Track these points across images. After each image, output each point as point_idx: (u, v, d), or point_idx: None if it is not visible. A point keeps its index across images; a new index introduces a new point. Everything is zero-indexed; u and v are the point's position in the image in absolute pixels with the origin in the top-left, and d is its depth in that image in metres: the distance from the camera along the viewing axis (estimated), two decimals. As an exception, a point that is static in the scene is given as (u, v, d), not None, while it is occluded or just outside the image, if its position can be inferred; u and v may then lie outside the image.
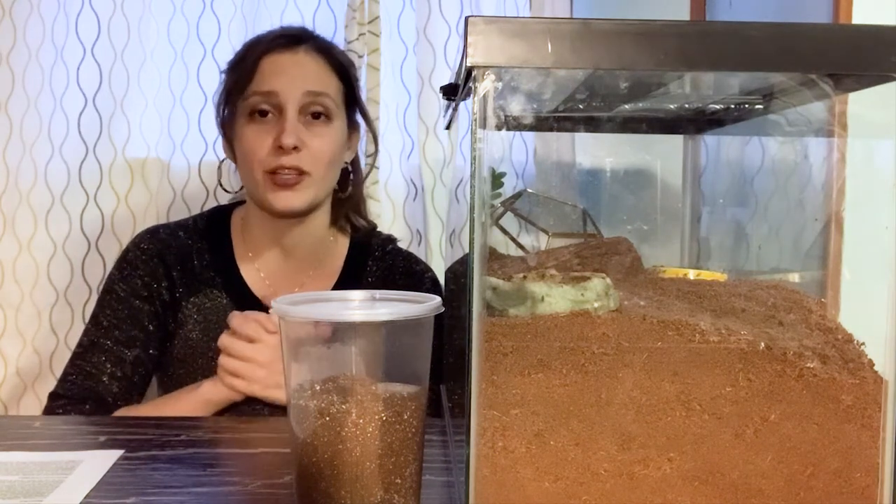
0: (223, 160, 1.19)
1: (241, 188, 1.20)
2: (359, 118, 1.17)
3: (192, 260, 1.12)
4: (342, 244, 1.19)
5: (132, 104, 1.40)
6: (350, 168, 1.17)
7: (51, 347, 1.41)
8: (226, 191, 1.23)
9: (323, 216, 1.15)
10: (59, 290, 1.41)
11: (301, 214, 1.10)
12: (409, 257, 1.22)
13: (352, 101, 1.14)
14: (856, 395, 0.54)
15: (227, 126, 1.12)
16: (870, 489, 0.54)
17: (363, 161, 1.29)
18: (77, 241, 1.40)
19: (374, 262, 1.18)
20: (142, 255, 1.12)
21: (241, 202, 1.19)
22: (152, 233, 1.15)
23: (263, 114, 1.06)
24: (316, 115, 1.07)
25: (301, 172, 1.04)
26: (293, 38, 1.09)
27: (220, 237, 1.15)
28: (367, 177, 1.29)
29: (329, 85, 1.08)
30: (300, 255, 1.14)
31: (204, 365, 1.07)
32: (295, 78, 1.06)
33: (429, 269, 1.21)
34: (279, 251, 1.14)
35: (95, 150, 1.40)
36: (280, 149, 1.03)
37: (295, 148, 1.03)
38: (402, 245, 1.26)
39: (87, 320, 1.39)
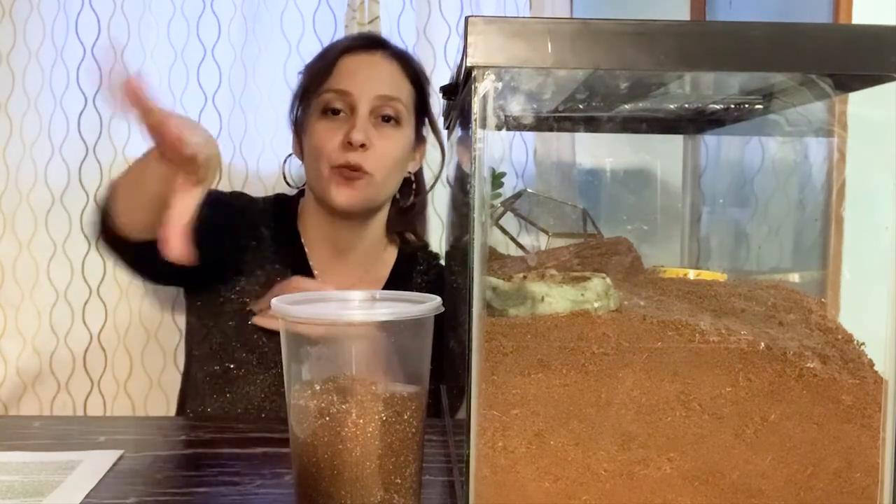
0: (288, 156, 1.21)
1: (304, 185, 1.20)
2: (426, 132, 1.18)
3: (259, 241, 1.14)
4: (391, 254, 1.20)
5: (132, 104, 1.40)
6: (413, 179, 1.19)
7: (51, 347, 1.41)
8: (289, 185, 1.24)
9: (378, 223, 1.16)
10: (59, 290, 1.40)
11: (356, 213, 1.11)
12: None
13: (422, 110, 1.15)
14: (856, 395, 0.54)
15: (299, 123, 1.13)
16: (870, 489, 0.54)
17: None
18: (77, 241, 1.40)
19: (419, 275, 1.20)
20: (239, 205, 1.15)
21: (303, 191, 1.21)
22: (249, 198, 1.19)
23: (336, 112, 1.08)
24: (386, 119, 1.08)
25: (364, 171, 1.06)
26: (373, 41, 1.12)
27: (286, 223, 1.17)
28: (431, 188, 1.29)
29: (402, 90, 1.10)
30: (352, 258, 1.15)
31: (246, 339, 1.08)
32: (370, 79, 1.08)
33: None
34: (332, 251, 1.15)
35: (95, 150, 1.40)
36: (348, 145, 1.05)
37: (362, 146, 1.05)
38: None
39: (86, 320, 1.40)
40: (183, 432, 0.86)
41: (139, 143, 1.40)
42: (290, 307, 0.60)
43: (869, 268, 0.62)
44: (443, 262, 1.26)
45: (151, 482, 0.71)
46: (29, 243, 1.39)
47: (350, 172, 1.06)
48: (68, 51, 1.38)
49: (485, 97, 0.51)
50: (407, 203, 1.19)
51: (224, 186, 1.42)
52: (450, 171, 1.43)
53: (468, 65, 0.50)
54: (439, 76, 1.42)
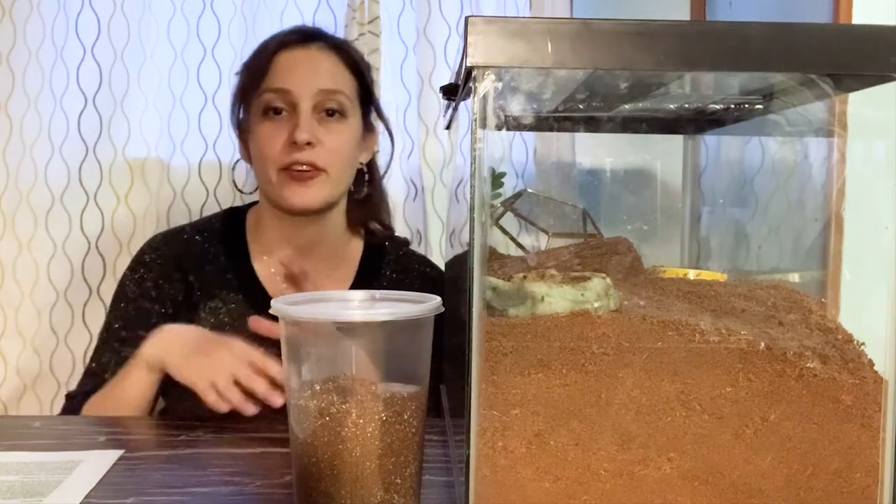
0: (237, 161, 1.19)
1: (256, 189, 1.19)
2: (374, 120, 1.16)
3: (209, 263, 1.11)
4: (356, 247, 1.18)
5: (132, 104, 1.40)
6: (365, 169, 1.16)
7: (51, 347, 1.41)
8: (241, 192, 1.22)
9: (338, 217, 1.14)
10: (59, 290, 1.41)
11: (316, 212, 1.09)
12: (423, 261, 1.22)
13: (367, 99, 1.13)
14: (856, 395, 0.54)
15: (242, 126, 1.11)
16: (870, 489, 0.54)
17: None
18: (77, 241, 1.40)
19: (388, 265, 1.17)
20: (157, 258, 1.11)
21: (256, 202, 1.19)
22: (170, 235, 1.15)
23: (277, 111, 1.05)
24: (330, 113, 1.06)
25: (317, 168, 1.04)
26: (307, 34, 1.09)
27: (236, 238, 1.14)
28: (383, 176, 1.27)
29: (343, 82, 1.08)
30: (315, 256, 1.13)
31: None
32: (308, 75, 1.05)
33: (443, 274, 1.21)
34: (294, 252, 1.12)
35: (95, 150, 1.40)
36: (294, 145, 1.02)
37: (309, 144, 1.02)
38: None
39: (86, 320, 1.40)
40: (183, 432, 0.86)
41: (139, 143, 1.41)
42: (290, 307, 0.60)
43: (869, 268, 0.62)
44: (413, 248, 1.25)
45: (151, 482, 0.71)
46: (29, 243, 1.39)
47: (302, 172, 1.03)
48: (68, 51, 1.39)
49: (485, 97, 0.51)
50: (361, 195, 1.16)
51: (224, 186, 1.42)
52: (457, 172, 1.44)
53: (468, 65, 0.49)
54: (439, 76, 1.42)
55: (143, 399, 0.97)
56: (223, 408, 0.88)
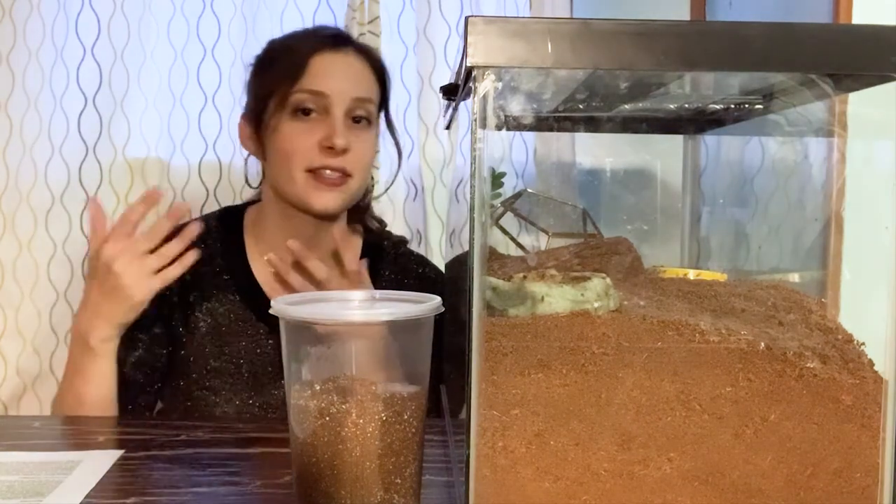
0: (249, 155, 1.19)
1: (259, 184, 1.19)
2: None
3: (205, 263, 1.10)
4: (356, 245, 1.18)
5: (132, 104, 1.40)
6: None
7: (51, 347, 1.41)
8: (251, 186, 1.22)
9: (342, 219, 1.14)
10: (59, 290, 1.41)
11: (335, 216, 1.10)
12: (421, 261, 1.23)
13: (382, 106, 1.14)
14: (856, 395, 0.54)
15: (259, 121, 1.09)
16: (870, 489, 0.54)
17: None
18: (77, 241, 1.40)
19: (387, 265, 1.18)
20: None
21: (253, 202, 1.18)
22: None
23: (307, 112, 1.05)
24: (357, 120, 1.07)
25: (345, 174, 1.05)
26: (340, 38, 1.10)
27: (233, 239, 1.14)
28: (389, 186, 1.32)
29: (372, 91, 1.10)
30: (317, 256, 1.13)
31: (214, 368, 1.07)
32: (344, 81, 1.06)
33: (440, 274, 1.21)
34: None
35: (95, 150, 1.40)
36: (328, 149, 1.03)
37: (344, 150, 1.03)
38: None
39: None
40: (183, 432, 0.86)
41: (139, 143, 1.41)
42: (290, 307, 0.60)
43: (869, 268, 0.62)
44: (413, 248, 1.26)
45: (151, 482, 0.71)
46: (29, 243, 1.39)
47: (331, 176, 1.04)
48: (68, 51, 1.39)
49: (485, 97, 0.51)
50: (366, 200, 1.19)
51: (224, 186, 1.42)
52: (457, 172, 1.44)
53: (468, 65, 0.49)
54: (439, 76, 1.42)
55: (114, 388, 0.98)
56: (176, 272, 0.97)
